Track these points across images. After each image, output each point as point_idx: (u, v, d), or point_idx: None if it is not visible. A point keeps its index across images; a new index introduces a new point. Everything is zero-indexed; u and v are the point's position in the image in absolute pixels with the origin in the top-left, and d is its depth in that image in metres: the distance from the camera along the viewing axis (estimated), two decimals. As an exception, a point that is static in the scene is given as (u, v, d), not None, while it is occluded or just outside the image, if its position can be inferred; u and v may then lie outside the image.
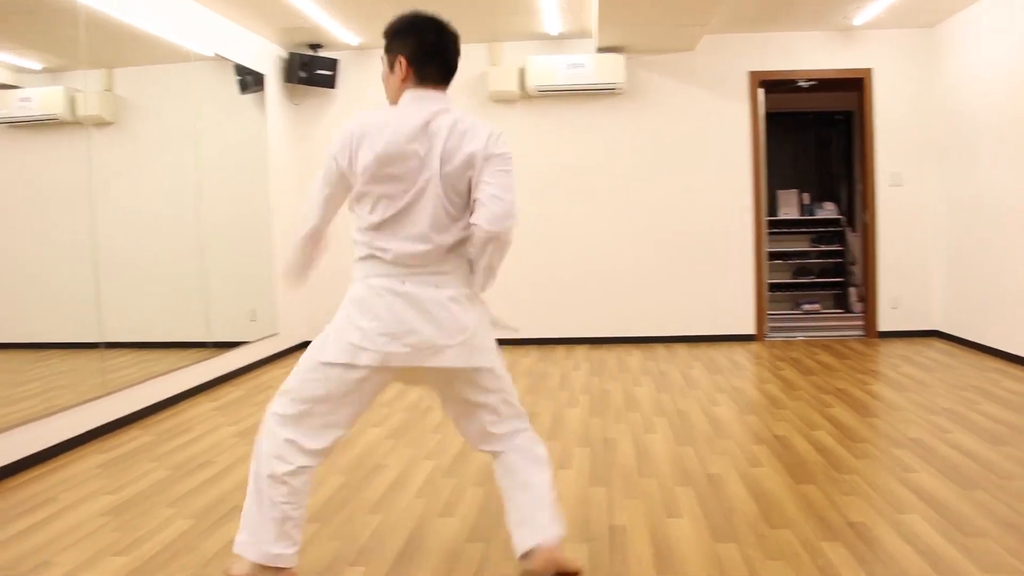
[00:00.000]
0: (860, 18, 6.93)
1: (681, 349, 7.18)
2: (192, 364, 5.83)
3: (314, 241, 2.77)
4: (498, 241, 2.55)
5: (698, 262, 7.52)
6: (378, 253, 2.58)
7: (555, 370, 6.38)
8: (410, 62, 2.62)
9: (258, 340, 6.90)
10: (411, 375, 2.72)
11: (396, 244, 2.56)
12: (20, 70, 5.20)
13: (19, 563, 2.96)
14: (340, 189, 2.65)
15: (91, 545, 3.12)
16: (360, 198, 2.60)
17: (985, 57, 6.39)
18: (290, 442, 2.59)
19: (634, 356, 6.90)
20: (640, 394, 5.43)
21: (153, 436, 4.75)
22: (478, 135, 2.55)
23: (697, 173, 7.49)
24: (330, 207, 2.70)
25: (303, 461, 2.60)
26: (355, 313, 2.57)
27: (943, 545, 2.84)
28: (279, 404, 2.64)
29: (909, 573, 2.63)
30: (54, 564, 2.94)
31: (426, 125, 2.53)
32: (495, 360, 2.75)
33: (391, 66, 2.66)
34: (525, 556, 2.62)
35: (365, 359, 2.53)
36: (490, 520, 3.24)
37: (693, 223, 7.50)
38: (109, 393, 4.91)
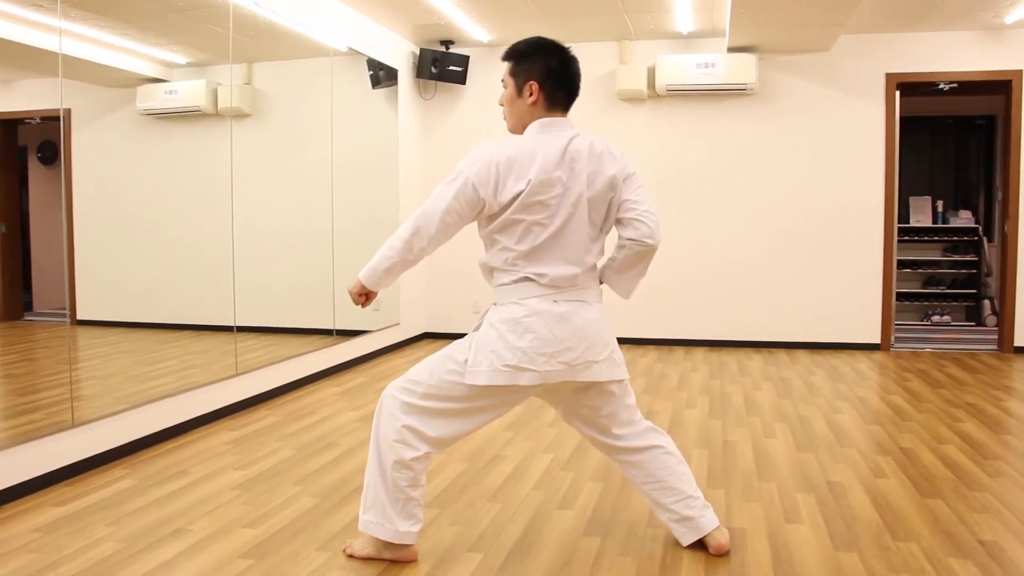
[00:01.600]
0: (1013, 16, 6.61)
1: (803, 355, 7.03)
2: (317, 350, 6.04)
3: (416, 257, 2.73)
4: (653, 252, 2.71)
5: (824, 268, 7.34)
6: (533, 276, 2.62)
7: (674, 371, 6.34)
8: (541, 86, 2.66)
9: (380, 329, 7.09)
10: (551, 390, 2.79)
11: (551, 268, 2.62)
12: (168, 64, 5.49)
13: (156, 529, 3.15)
14: (468, 213, 2.66)
15: (222, 516, 3.28)
16: (506, 226, 2.62)
17: None
18: (411, 429, 2.67)
19: (754, 360, 6.79)
20: (760, 398, 5.35)
21: (280, 416, 4.95)
22: (615, 157, 2.67)
23: (827, 177, 7.31)
24: (450, 228, 2.68)
25: (427, 448, 2.69)
26: (509, 334, 2.60)
27: (1081, 570, 2.72)
28: (407, 394, 2.70)
29: (1044, 596, 2.53)
30: (188, 532, 3.12)
31: (565, 151, 2.58)
32: (626, 372, 2.85)
33: (519, 90, 2.69)
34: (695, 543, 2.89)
35: (525, 379, 2.59)
36: (607, 515, 3.26)
37: (820, 228, 7.32)
38: (240, 374, 5.14)
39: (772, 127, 7.36)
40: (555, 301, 2.63)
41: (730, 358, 6.91)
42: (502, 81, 2.78)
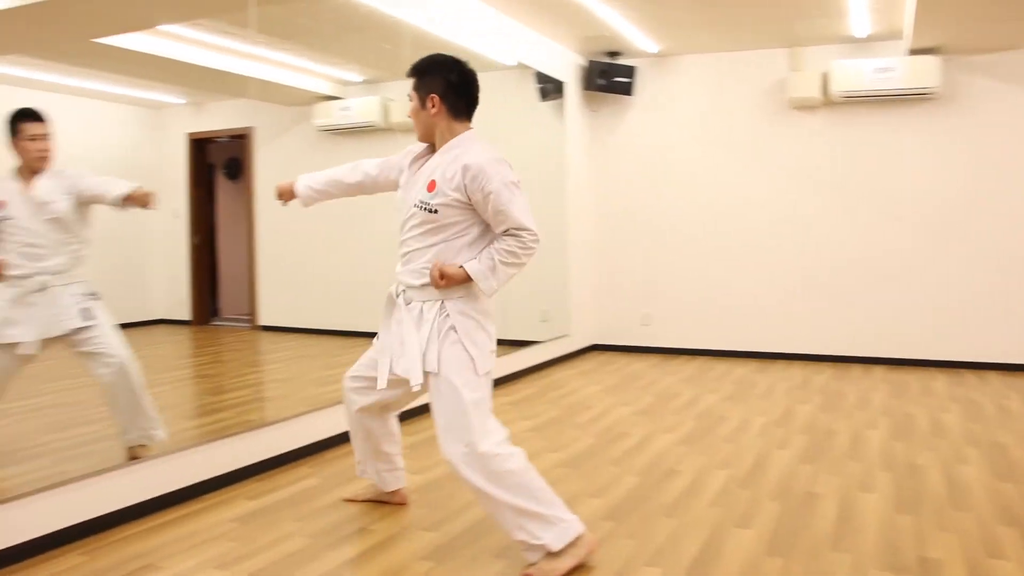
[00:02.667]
0: None
1: (993, 377, 6.59)
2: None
3: None
4: None
5: (1016, 284, 6.86)
6: None
7: (851, 389, 6.08)
8: (443, 99, 2.93)
9: (549, 340, 7.13)
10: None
11: None
12: (343, 82, 5.72)
13: (341, 527, 3.27)
14: None
15: (402, 518, 3.37)
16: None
17: None
18: (497, 444, 2.85)
19: (939, 381, 6.42)
20: (949, 421, 5.05)
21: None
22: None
23: (1022, 187, 6.84)
24: None
25: (506, 439, 2.89)
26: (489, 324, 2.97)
27: None
28: (493, 428, 2.88)
29: None
30: (370, 531, 3.22)
31: None
32: None
33: (423, 102, 2.96)
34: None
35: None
36: (789, 535, 3.15)
37: (1010, 241, 6.85)
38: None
39: (959, 134, 6.95)
40: None
41: (911, 377, 6.56)
42: (408, 95, 2.97)
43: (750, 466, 4.08)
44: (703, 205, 7.69)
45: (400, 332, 2.94)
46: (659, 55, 7.63)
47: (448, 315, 2.87)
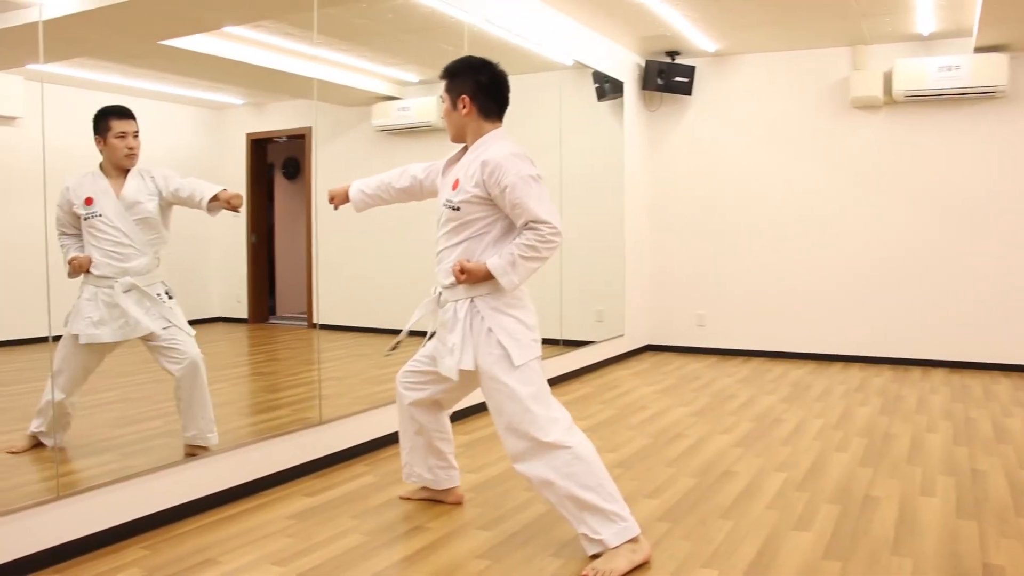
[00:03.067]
0: None
1: (1060, 381, 6.44)
2: (545, 359, 6.12)
3: None
4: None
5: (1086, 285, 6.67)
6: None
7: (911, 392, 5.97)
8: (473, 99, 3.02)
9: (604, 340, 7.11)
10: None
11: None
12: (401, 82, 5.76)
13: (397, 525, 3.31)
14: None
15: (458, 517, 3.39)
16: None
17: None
18: (560, 432, 2.90)
19: (1002, 384, 6.28)
20: (1013, 426, 4.94)
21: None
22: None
23: (1090, 185, 6.65)
24: None
25: (570, 428, 2.93)
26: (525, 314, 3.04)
27: None
28: (557, 416, 2.93)
29: None
30: (426, 529, 3.24)
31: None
32: None
33: (454, 104, 3.03)
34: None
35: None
36: (847, 539, 3.11)
37: (1082, 241, 6.67)
38: (472, 381, 5.27)
39: (1026, 133, 6.78)
40: None
41: (973, 381, 6.42)
42: (440, 97, 3.02)
43: (807, 468, 4.04)
44: (760, 206, 7.61)
45: (441, 333, 3.03)
46: (717, 54, 7.57)
47: (479, 312, 2.93)
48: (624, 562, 2.81)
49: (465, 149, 3.06)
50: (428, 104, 5.63)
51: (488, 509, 3.48)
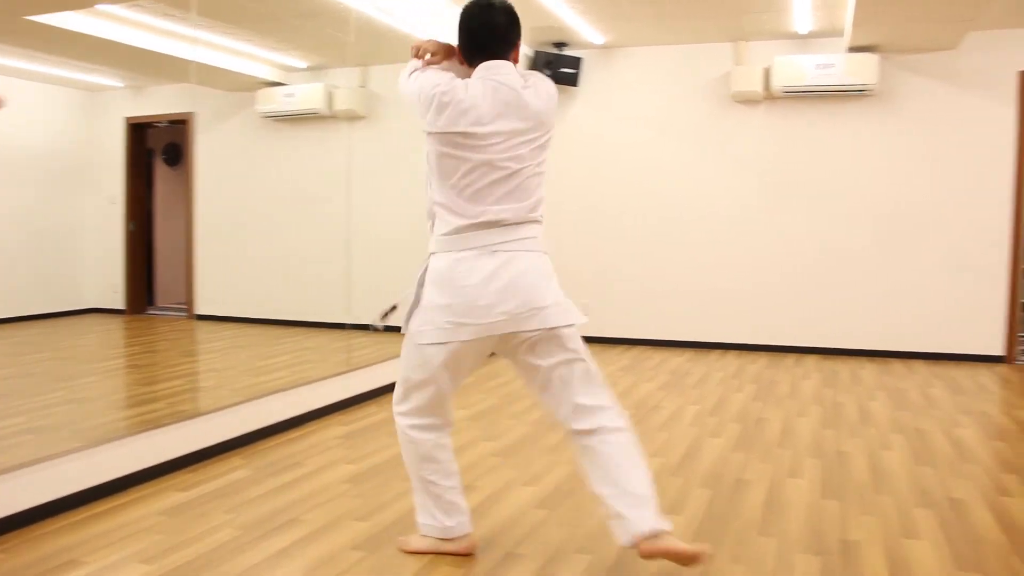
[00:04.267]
0: None
1: (920, 366, 6.77)
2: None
3: None
4: None
5: (944, 276, 7.05)
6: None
7: (784, 378, 6.20)
8: (461, 49, 2.85)
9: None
10: (509, 352, 2.89)
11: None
12: (287, 68, 5.65)
13: (272, 518, 3.25)
14: None
15: (335, 508, 3.36)
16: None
17: None
18: (404, 415, 2.98)
19: (868, 370, 6.58)
20: (875, 409, 5.18)
21: (389, 413, 5.02)
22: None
23: (951, 181, 7.02)
24: None
25: (432, 422, 2.94)
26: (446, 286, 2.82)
27: None
28: (396, 399, 3.00)
29: None
30: (301, 522, 3.20)
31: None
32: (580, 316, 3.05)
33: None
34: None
35: (466, 333, 2.77)
36: (717, 521, 3.21)
37: (943, 234, 7.04)
38: (352, 370, 5.25)
39: (894, 129, 7.12)
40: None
41: (842, 367, 6.71)
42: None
43: (682, 454, 4.15)
44: (645, 196, 7.76)
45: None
46: (605, 47, 7.67)
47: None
48: (431, 544, 2.91)
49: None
50: (315, 91, 5.54)
51: (366, 500, 3.46)
